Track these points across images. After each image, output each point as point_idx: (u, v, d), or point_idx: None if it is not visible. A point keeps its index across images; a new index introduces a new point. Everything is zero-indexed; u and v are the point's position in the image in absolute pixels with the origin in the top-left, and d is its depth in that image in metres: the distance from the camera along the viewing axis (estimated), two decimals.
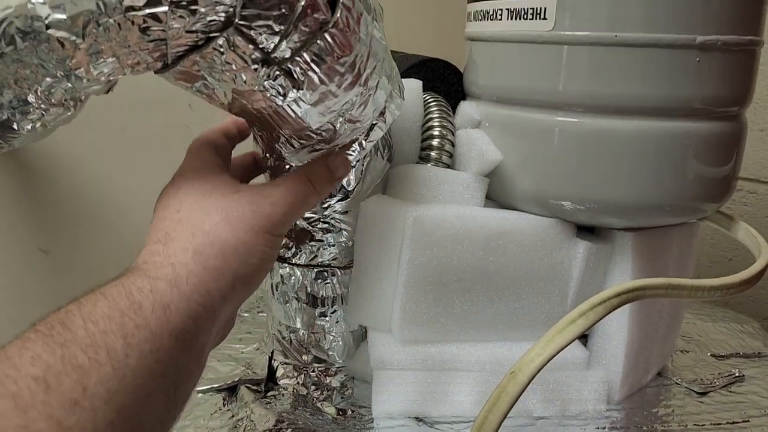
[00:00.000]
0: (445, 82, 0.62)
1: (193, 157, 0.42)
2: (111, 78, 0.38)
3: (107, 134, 0.76)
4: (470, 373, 0.53)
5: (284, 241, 0.55)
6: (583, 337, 0.57)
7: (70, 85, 0.38)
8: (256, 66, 0.37)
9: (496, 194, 0.55)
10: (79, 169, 0.79)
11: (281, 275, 0.56)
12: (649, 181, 0.49)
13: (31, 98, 0.38)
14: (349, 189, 0.51)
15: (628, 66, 0.46)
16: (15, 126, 0.40)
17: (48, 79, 0.37)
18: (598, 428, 0.53)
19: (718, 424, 0.54)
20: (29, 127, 0.41)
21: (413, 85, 0.56)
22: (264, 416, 0.53)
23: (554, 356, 0.39)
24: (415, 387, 0.52)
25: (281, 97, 0.39)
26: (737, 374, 0.61)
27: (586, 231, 0.55)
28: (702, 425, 0.54)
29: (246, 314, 0.71)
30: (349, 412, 0.54)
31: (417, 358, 0.53)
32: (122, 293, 0.31)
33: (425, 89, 0.58)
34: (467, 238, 0.51)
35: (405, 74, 0.59)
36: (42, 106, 0.39)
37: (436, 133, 0.55)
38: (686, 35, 0.45)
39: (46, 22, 0.34)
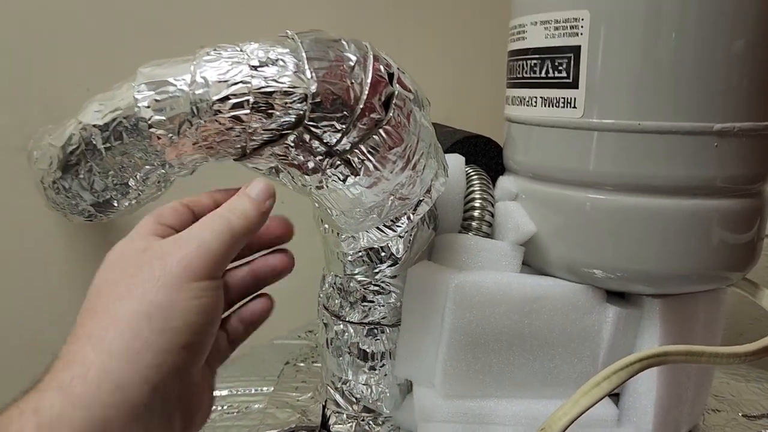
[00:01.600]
0: (486, 156, 0.66)
1: (132, 233, 0.37)
2: (197, 164, 0.45)
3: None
4: (506, 426, 0.56)
5: (338, 301, 0.61)
6: (615, 395, 0.60)
7: (164, 171, 0.44)
8: (320, 157, 0.43)
9: (532, 260, 0.59)
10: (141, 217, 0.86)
11: (335, 331, 0.62)
12: (676, 253, 0.52)
13: (131, 182, 0.45)
14: (399, 256, 0.57)
15: (652, 150, 0.50)
16: (115, 204, 0.47)
17: (147, 167, 0.44)
18: None
19: None
20: (126, 204, 0.48)
21: (457, 161, 0.61)
22: None
23: (581, 415, 0.44)
24: None
25: (341, 182, 0.45)
26: None
27: (616, 296, 0.58)
28: None
29: (302, 364, 0.76)
30: None
31: (458, 412, 0.56)
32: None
33: (468, 162, 0.63)
34: (504, 303, 0.55)
35: (450, 149, 0.64)
36: (140, 188, 0.46)
37: (477, 204, 0.60)
38: (704, 123, 0.49)
39: (149, 122, 0.41)
